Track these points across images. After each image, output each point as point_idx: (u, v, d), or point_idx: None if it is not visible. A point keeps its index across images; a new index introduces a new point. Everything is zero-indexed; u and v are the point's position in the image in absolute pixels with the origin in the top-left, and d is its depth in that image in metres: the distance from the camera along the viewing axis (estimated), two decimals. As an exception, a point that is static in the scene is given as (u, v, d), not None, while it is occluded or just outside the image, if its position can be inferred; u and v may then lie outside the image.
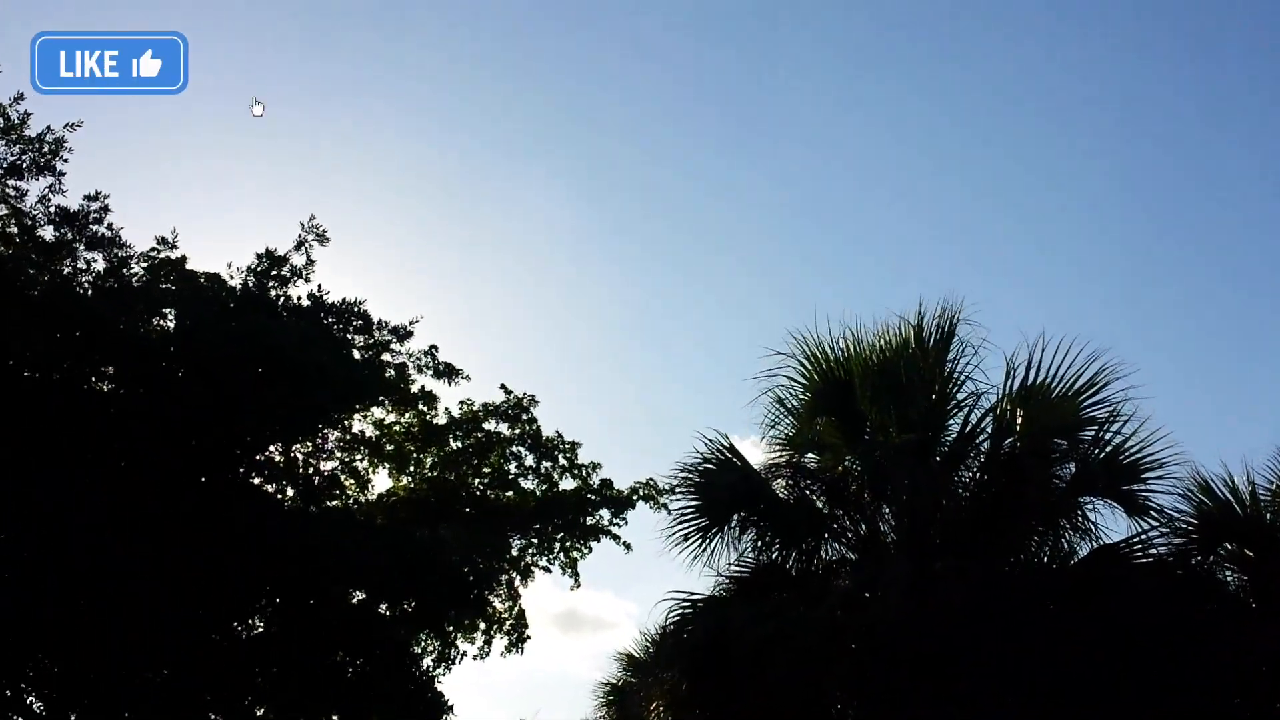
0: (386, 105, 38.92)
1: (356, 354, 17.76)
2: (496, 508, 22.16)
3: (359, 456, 21.52)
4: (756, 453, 19.34)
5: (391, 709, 16.66)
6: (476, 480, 22.05)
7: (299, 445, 19.32)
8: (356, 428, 21.21)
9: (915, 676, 10.93)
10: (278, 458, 18.84)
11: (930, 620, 10.90)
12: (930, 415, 12.07)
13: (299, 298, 17.06)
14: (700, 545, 12.65)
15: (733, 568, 12.99)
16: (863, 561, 12.86)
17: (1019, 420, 11.87)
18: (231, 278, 16.89)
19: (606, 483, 22.13)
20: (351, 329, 16.25)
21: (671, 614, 12.05)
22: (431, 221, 42.87)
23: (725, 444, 12.53)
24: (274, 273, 14.88)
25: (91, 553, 13.33)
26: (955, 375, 12.31)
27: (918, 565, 11.33)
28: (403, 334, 16.81)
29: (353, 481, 21.51)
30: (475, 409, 21.64)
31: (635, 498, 22.34)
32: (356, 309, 16.79)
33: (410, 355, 17.63)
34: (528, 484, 22.16)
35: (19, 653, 14.71)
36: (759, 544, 12.90)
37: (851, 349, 12.58)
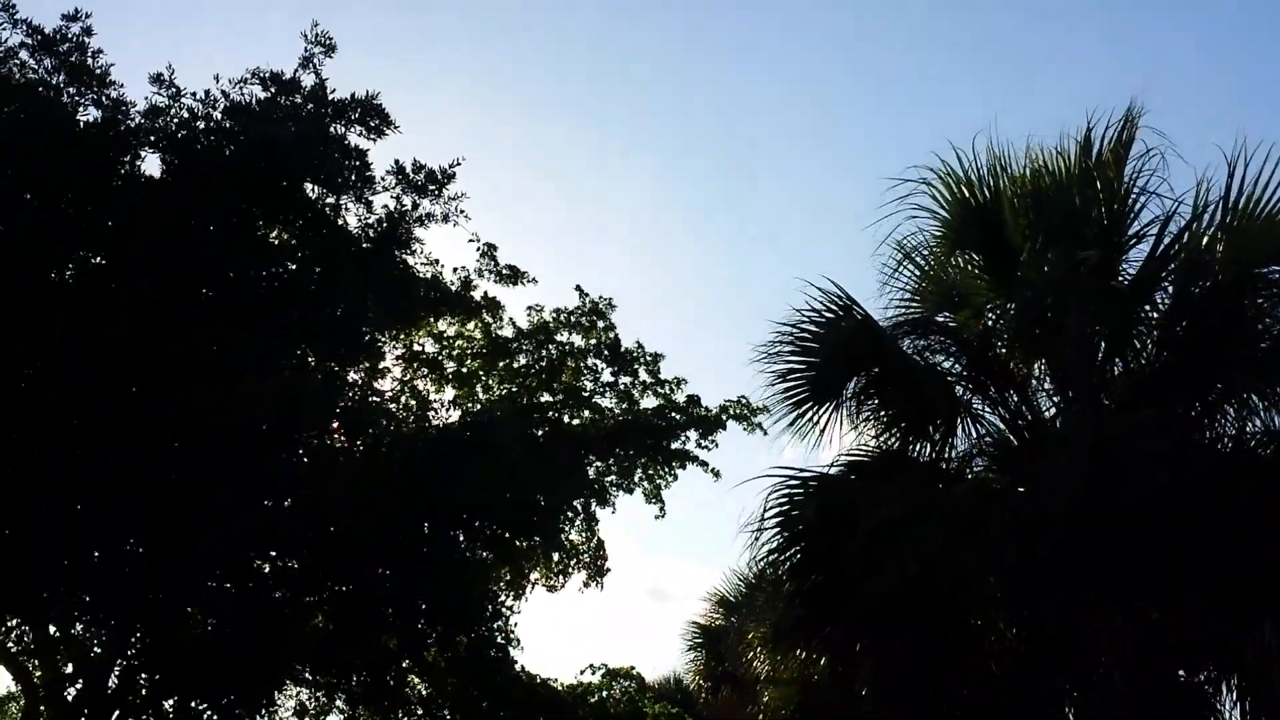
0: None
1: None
2: (571, 429, 19.97)
3: (419, 375, 19.47)
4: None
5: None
6: (548, 398, 19.86)
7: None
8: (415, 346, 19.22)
9: (1079, 571, 8.47)
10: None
11: (1104, 502, 8.39)
12: (1104, 246, 9.47)
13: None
14: (807, 417, 10.25)
15: (845, 455, 10.56)
16: (1011, 441, 10.40)
17: (1219, 249, 9.24)
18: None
19: (693, 399, 19.77)
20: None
21: (773, 495, 9.65)
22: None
23: (840, 293, 10.06)
24: (281, 100, 12.52)
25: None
26: (1133, 196, 9.70)
27: (1091, 432, 8.77)
28: (443, 177, 14.09)
29: (414, 403, 19.47)
30: (545, 317, 19.41)
31: (725, 417, 19.97)
32: (370, 105, 13.10)
33: (454, 202, 14.66)
34: (605, 402, 19.91)
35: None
36: (881, 418, 10.49)
37: (999, 172, 10.04)
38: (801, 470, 9.75)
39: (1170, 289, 9.51)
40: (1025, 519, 8.73)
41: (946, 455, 10.60)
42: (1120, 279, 9.43)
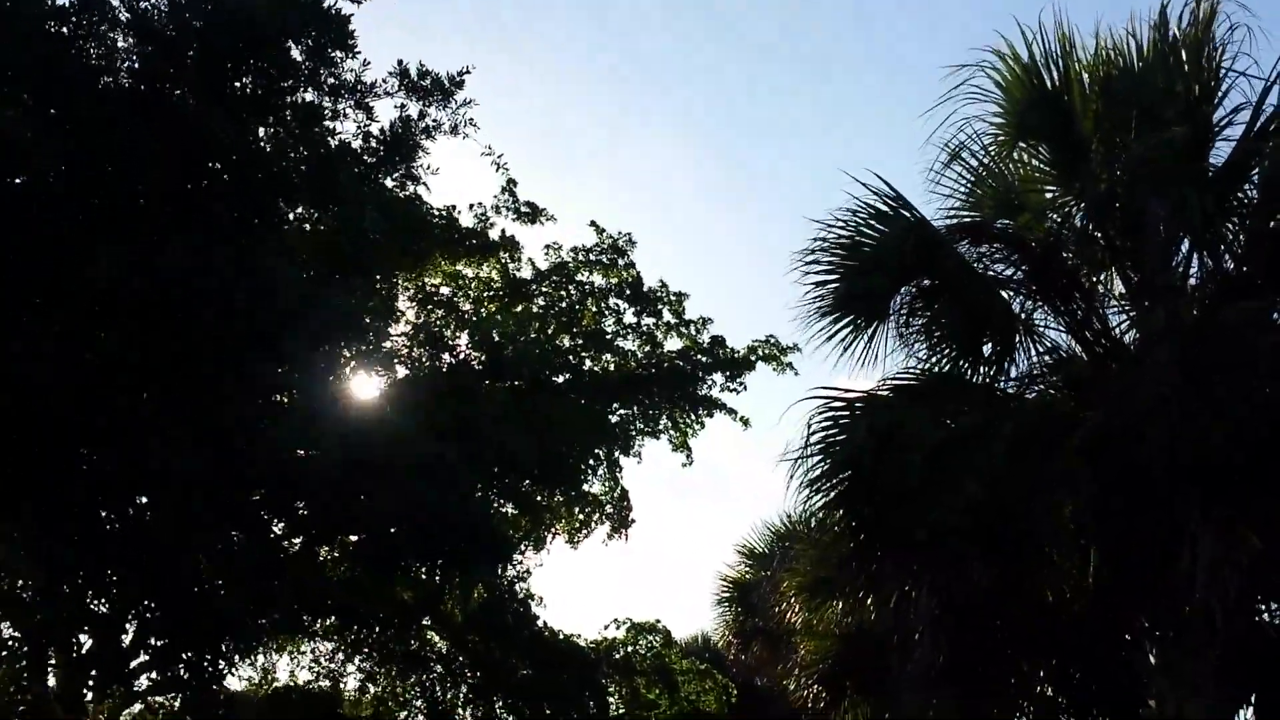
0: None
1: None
2: (592, 373, 19.02)
3: (434, 317, 18.53)
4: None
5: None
6: (568, 342, 18.89)
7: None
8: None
9: (1169, 493, 7.46)
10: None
11: (1198, 412, 7.36)
12: (1188, 129, 8.36)
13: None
14: (848, 335, 9.19)
15: (891, 380, 9.50)
16: (1080, 357, 9.36)
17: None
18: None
19: (719, 340, 18.76)
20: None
21: (816, 420, 8.64)
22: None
23: (889, 191, 8.97)
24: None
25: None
26: (1218, 76, 8.59)
27: (1180, 333, 7.71)
28: (451, 84, 12.83)
29: (428, 346, 18.53)
30: (563, 256, 18.41)
31: (754, 358, 18.95)
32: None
33: (463, 109, 13.44)
34: (627, 344, 18.93)
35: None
36: (933, 333, 9.46)
37: (1068, 52, 8.93)
38: (847, 391, 8.74)
39: (1259, 177, 8.42)
40: (1104, 435, 7.72)
41: (1006, 376, 9.59)
42: (1206, 166, 8.33)
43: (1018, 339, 9.48)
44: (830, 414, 8.54)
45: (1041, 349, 9.53)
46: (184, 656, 12.03)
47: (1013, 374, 9.59)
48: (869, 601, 9.12)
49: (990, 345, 9.61)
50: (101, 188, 8.84)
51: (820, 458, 8.63)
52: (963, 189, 9.54)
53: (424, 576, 15.22)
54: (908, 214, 8.95)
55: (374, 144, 11.78)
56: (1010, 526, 7.89)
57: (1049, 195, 9.26)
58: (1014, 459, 7.87)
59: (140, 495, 12.25)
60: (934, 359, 9.70)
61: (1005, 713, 9.65)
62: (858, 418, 8.56)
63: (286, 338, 9.38)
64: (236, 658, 11.76)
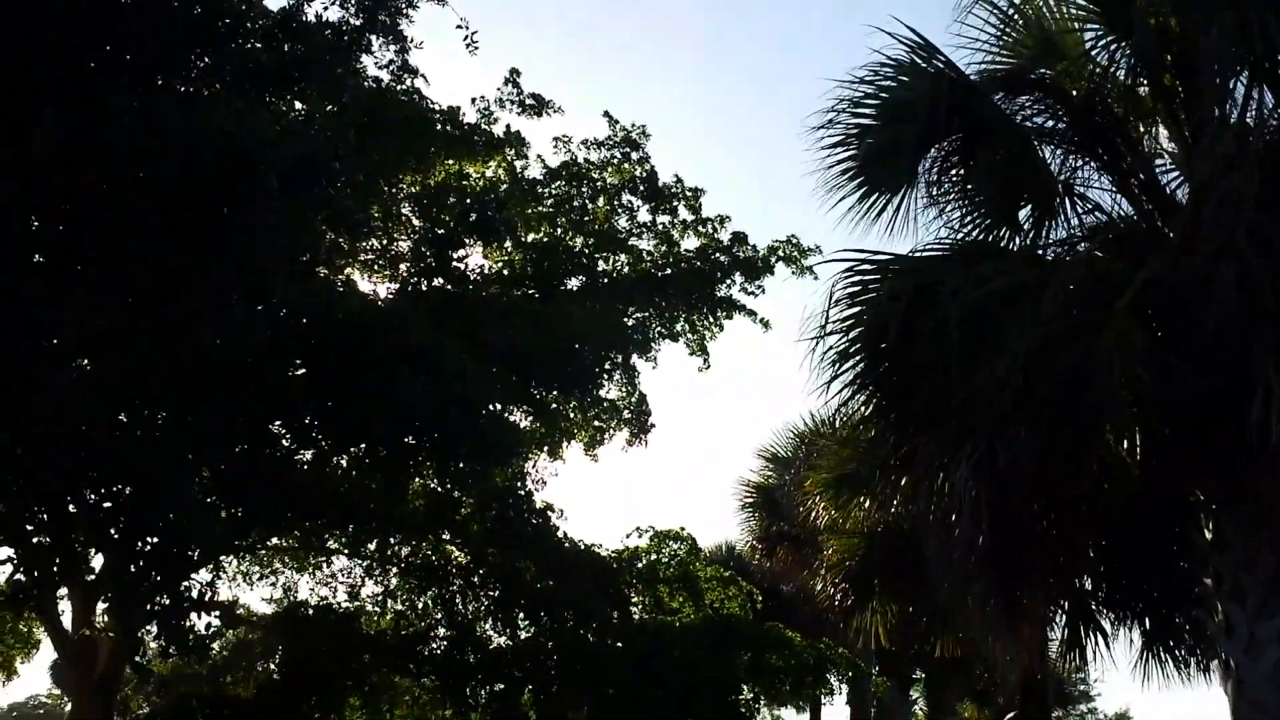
0: None
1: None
2: (606, 275, 18.36)
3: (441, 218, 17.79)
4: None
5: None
6: (581, 241, 18.20)
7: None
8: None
9: (1238, 352, 6.76)
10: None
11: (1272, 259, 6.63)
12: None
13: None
14: (872, 199, 8.44)
15: (919, 250, 8.76)
16: (1130, 216, 8.62)
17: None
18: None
19: (739, 237, 18.04)
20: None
21: (842, 284, 7.93)
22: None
23: (917, 40, 8.17)
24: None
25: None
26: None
27: (1252, 174, 6.90)
28: None
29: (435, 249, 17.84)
30: (573, 150, 17.63)
31: (774, 259, 18.24)
32: None
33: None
34: (643, 244, 18.25)
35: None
36: (967, 195, 8.73)
37: None
38: (875, 253, 8.03)
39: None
40: (1162, 289, 7.03)
41: (1046, 241, 8.87)
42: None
43: (1058, 200, 8.77)
44: (856, 278, 7.85)
45: (1085, 208, 8.83)
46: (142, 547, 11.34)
47: (1053, 239, 8.93)
48: (901, 484, 8.47)
49: (1029, 208, 8.91)
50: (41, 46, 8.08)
51: (846, 326, 7.96)
52: (992, 35, 8.70)
53: (430, 473, 14.67)
54: (937, 62, 8.16)
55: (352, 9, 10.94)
56: (1057, 394, 7.21)
57: (1089, 37, 8.41)
58: (1061, 318, 7.19)
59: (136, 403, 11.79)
60: (967, 226, 9.00)
61: (1047, 602, 9.09)
62: (887, 280, 7.86)
63: (248, 184, 8.44)
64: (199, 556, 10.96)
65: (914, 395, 7.82)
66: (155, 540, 9.60)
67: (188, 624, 11.14)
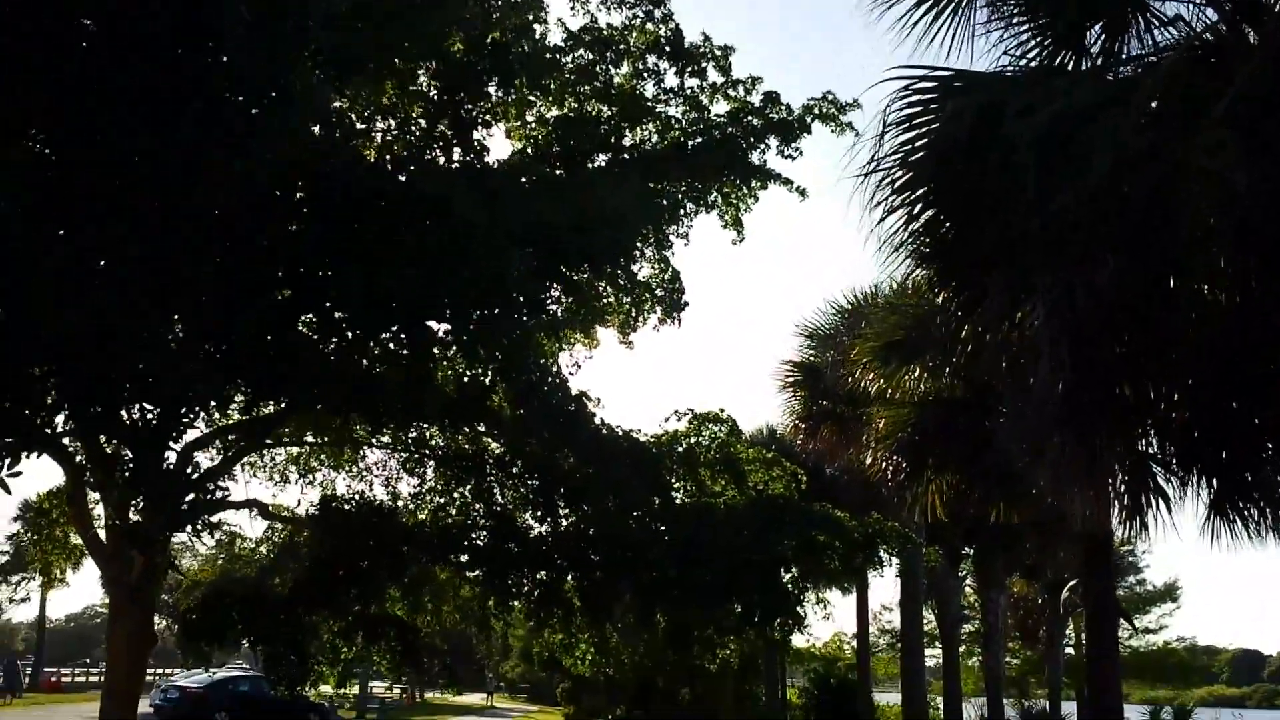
0: None
1: None
2: (634, 148, 17.42)
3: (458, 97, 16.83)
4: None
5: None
6: (605, 112, 17.21)
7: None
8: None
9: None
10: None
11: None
12: None
13: None
14: (920, 16, 7.50)
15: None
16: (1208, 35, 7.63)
17: None
18: None
19: (771, 98, 16.97)
20: None
21: (895, 104, 7.02)
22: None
23: None
24: None
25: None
26: None
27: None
28: None
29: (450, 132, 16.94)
30: (591, 9, 16.52)
31: (810, 118, 17.19)
32: None
33: None
34: (671, 110, 17.23)
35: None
36: (1030, 12, 7.76)
37: None
38: (935, 68, 7.12)
39: None
40: (1260, 92, 6.12)
41: (1117, 62, 7.91)
42: None
43: (1130, 14, 7.80)
44: (914, 97, 6.96)
45: (1161, 21, 7.86)
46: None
47: (1125, 57, 7.97)
48: (963, 333, 7.69)
49: (1099, 25, 7.95)
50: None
51: (902, 155, 7.10)
52: None
53: (457, 356, 14.03)
54: None
55: None
56: (1141, 220, 6.38)
57: None
58: (1144, 133, 6.31)
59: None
60: (1030, 50, 8.05)
61: (1125, 456, 8.37)
62: (949, 99, 6.96)
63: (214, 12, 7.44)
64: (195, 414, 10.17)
65: (981, 230, 7.00)
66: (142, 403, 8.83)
67: (195, 498, 10.60)
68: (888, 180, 7.10)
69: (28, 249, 7.49)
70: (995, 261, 6.96)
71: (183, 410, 8.77)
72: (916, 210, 7.16)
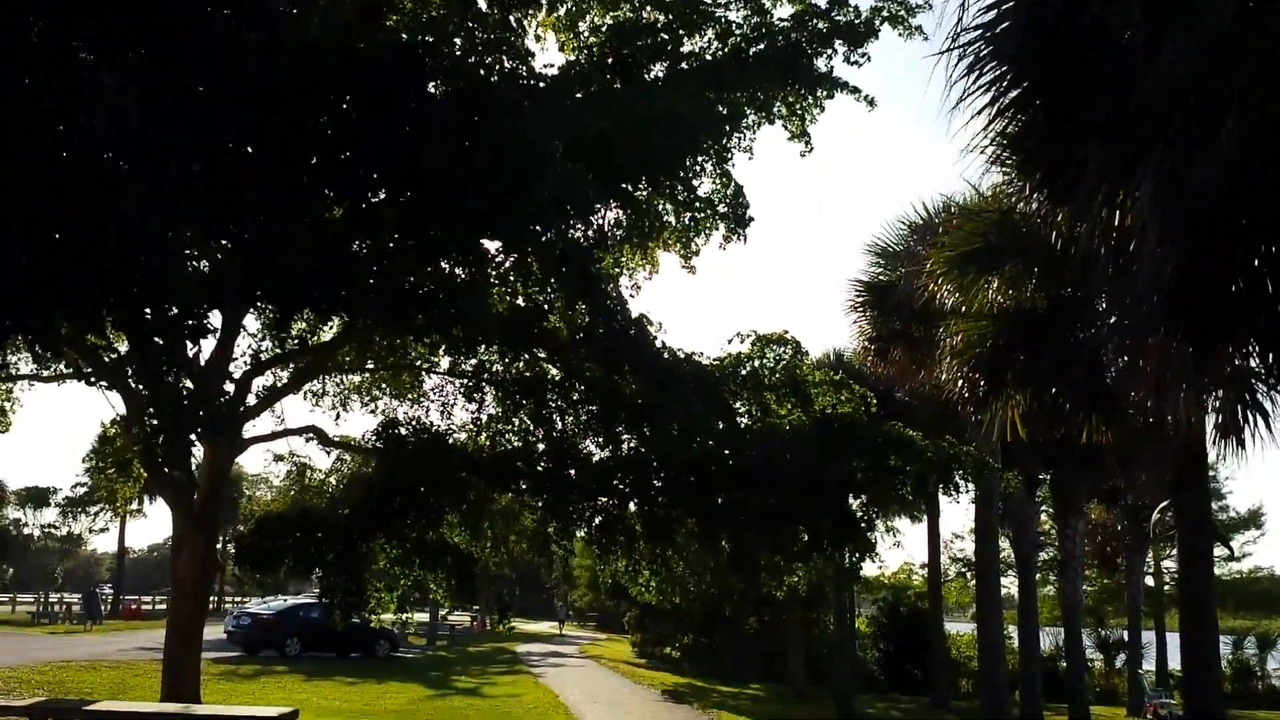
0: None
1: None
2: (693, 57, 16.59)
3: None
4: None
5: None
6: (660, 18, 16.36)
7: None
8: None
9: None
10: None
11: None
12: None
13: None
14: None
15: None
16: None
17: None
18: None
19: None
20: None
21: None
22: None
23: None
24: None
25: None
26: None
27: None
28: None
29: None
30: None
31: (878, 21, 16.20)
32: None
33: None
34: (731, 15, 16.34)
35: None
36: None
37: None
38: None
39: None
40: None
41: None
42: None
43: None
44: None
45: None
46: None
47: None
48: (1058, 219, 6.91)
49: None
50: None
51: (985, 25, 6.30)
52: None
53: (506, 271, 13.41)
54: None
55: None
56: (1264, 81, 5.53)
57: None
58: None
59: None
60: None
61: (1233, 356, 7.57)
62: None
63: None
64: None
65: (1076, 103, 6.19)
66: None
67: (219, 411, 10.15)
68: (970, 57, 6.31)
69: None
70: (1094, 136, 6.16)
71: (191, 309, 8.27)
72: (1003, 88, 6.37)
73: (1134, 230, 6.00)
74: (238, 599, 59.01)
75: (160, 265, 7.38)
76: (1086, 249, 6.71)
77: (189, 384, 9.39)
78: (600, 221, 15.21)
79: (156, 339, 8.21)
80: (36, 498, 75.82)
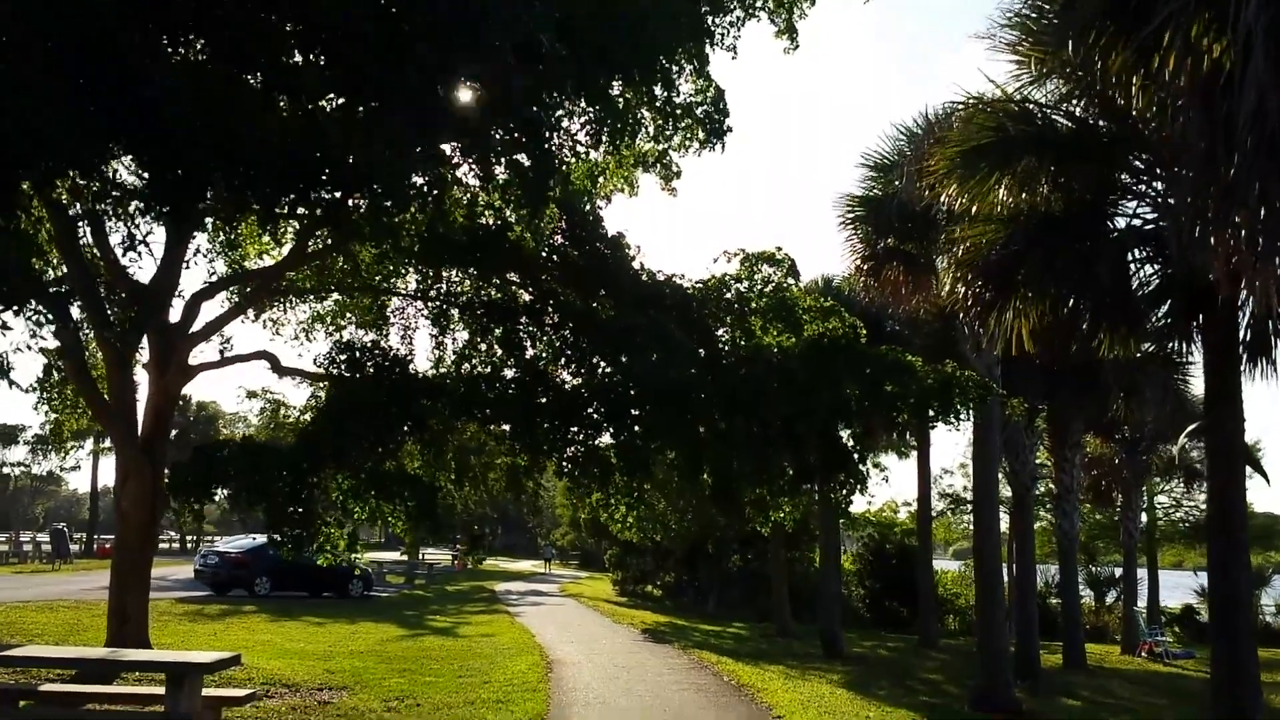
0: None
1: None
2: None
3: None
4: None
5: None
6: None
7: None
8: None
9: None
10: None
11: None
12: None
13: None
14: None
15: None
16: None
17: None
18: None
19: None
20: None
21: None
22: None
23: None
24: None
25: None
26: None
27: None
28: None
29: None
30: None
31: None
32: None
33: None
34: (712, -107, 14.89)
35: None
36: None
37: None
38: None
39: None
40: None
41: None
42: None
43: None
44: None
45: None
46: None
47: None
48: (1124, 57, 5.60)
49: None
50: None
51: None
52: None
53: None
54: None
55: None
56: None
57: None
58: None
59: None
60: None
61: None
62: None
63: None
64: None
65: None
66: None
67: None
68: None
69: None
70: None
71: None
72: None
73: (1218, 68, 4.75)
74: (209, 538, 58.02)
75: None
76: (1143, 101, 5.45)
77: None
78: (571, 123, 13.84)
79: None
80: (5, 435, 74.33)
